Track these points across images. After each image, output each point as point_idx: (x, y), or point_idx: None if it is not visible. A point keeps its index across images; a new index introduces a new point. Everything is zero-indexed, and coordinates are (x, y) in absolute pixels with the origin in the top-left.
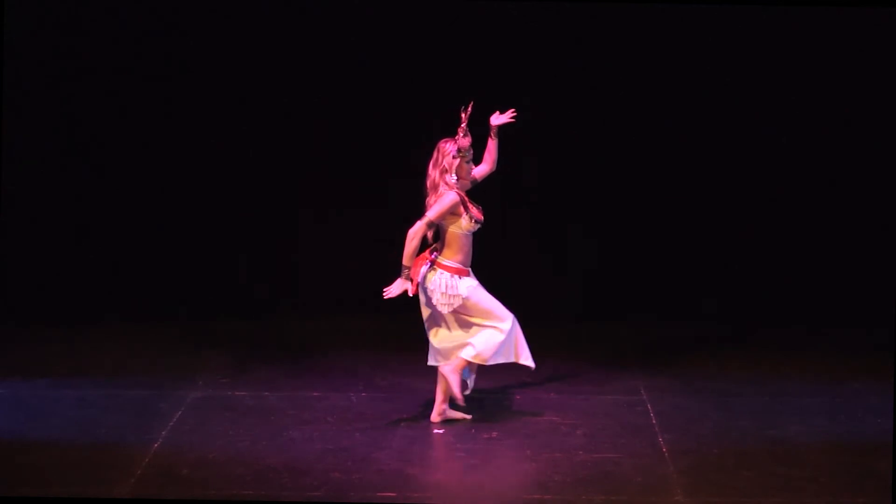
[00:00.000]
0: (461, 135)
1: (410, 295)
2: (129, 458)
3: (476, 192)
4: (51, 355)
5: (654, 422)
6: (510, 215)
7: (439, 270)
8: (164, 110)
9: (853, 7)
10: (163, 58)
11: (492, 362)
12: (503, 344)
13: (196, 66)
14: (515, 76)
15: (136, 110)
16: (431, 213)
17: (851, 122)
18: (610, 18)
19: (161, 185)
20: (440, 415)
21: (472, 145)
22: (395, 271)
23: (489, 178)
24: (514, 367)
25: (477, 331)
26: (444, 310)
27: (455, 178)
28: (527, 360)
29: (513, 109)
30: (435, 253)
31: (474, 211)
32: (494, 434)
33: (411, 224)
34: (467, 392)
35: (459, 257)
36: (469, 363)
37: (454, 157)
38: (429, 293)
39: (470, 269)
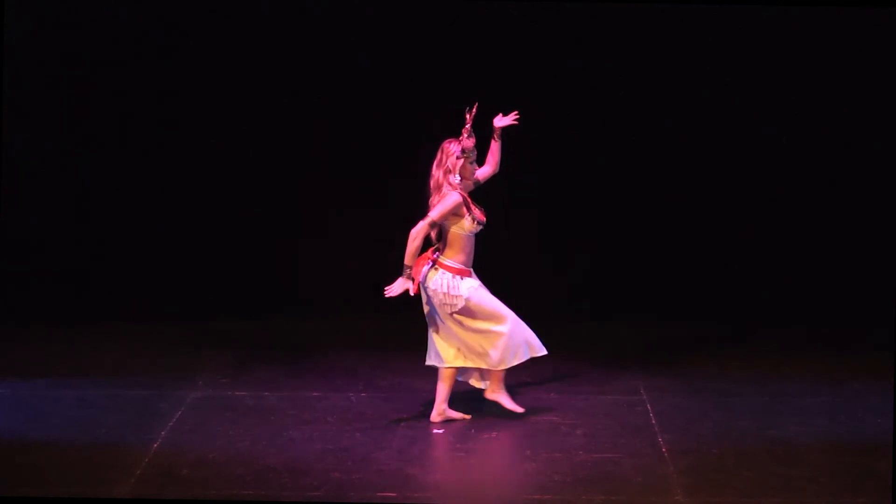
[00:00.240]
0: (465, 135)
1: (412, 294)
2: (129, 458)
3: (478, 193)
4: (51, 355)
5: (653, 422)
6: (510, 215)
7: (441, 270)
8: (164, 110)
9: (853, 7)
10: (163, 58)
11: (513, 364)
12: (516, 345)
13: (196, 66)
14: (515, 76)
15: (136, 110)
16: (434, 214)
17: (851, 122)
18: (610, 18)
19: (161, 185)
20: (440, 414)
21: (475, 146)
22: (395, 271)
23: (490, 179)
24: (514, 367)
25: (479, 337)
26: (446, 310)
27: (458, 178)
28: (541, 349)
29: (516, 111)
30: (437, 253)
31: (477, 212)
32: (494, 434)
33: (412, 224)
34: (484, 387)
35: (461, 258)
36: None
37: (458, 158)
38: (430, 293)
39: (472, 270)
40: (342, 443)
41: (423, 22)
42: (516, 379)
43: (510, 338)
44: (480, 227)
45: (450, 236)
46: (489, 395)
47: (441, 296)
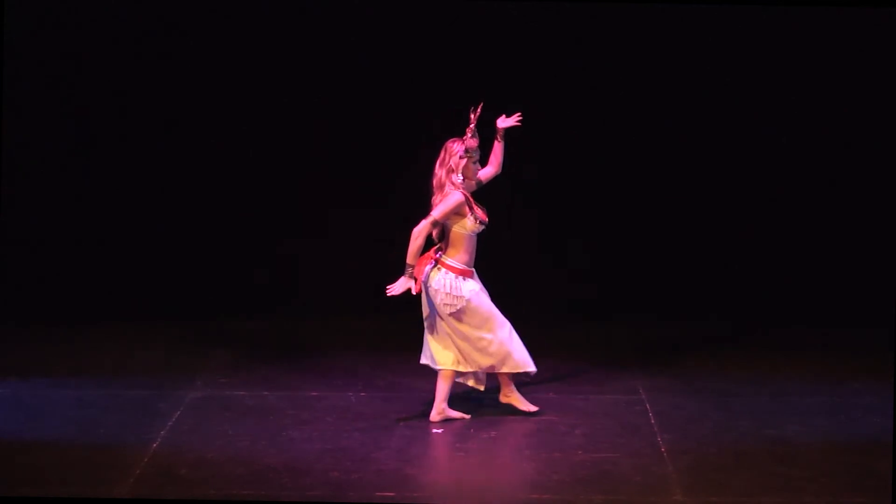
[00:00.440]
0: (469, 135)
1: (414, 293)
2: (128, 457)
3: (480, 193)
4: (50, 355)
5: (652, 421)
6: (510, 215)
7: (444, 270)
8: (164, 110)
9: (853, 7)
10: (163, 58)
11: (501, 371)
12: (506, 353)
13: (196, 66)
14: (515, 76)
15: (136, 110)
16: (436, 213)
17: (851, 122)
18: (610, 18)
19: (161, 185)
20: (439, 414)
21: (479, 147)
22: (395, 271)
23: (492, 179)
24: None
25: (473, 341)
26: (447, 311)
27: (461, 178)
28: (529, 365)
29: (518, 113)
30: (439, 252)
31: (479, 212)
32: (493, 434)
33: (412, 224)
34: (481, 388)
35: (464, 258)
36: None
37: (461, 157)
38: (432, 293)
39: (474, 271)
40: (341, 442)
41: (423, 22)
42: (516, 379)
43: (502, 345)
44: (482, 226)
45: (452, 236)
46: (503, 399)
47: (443, 295)
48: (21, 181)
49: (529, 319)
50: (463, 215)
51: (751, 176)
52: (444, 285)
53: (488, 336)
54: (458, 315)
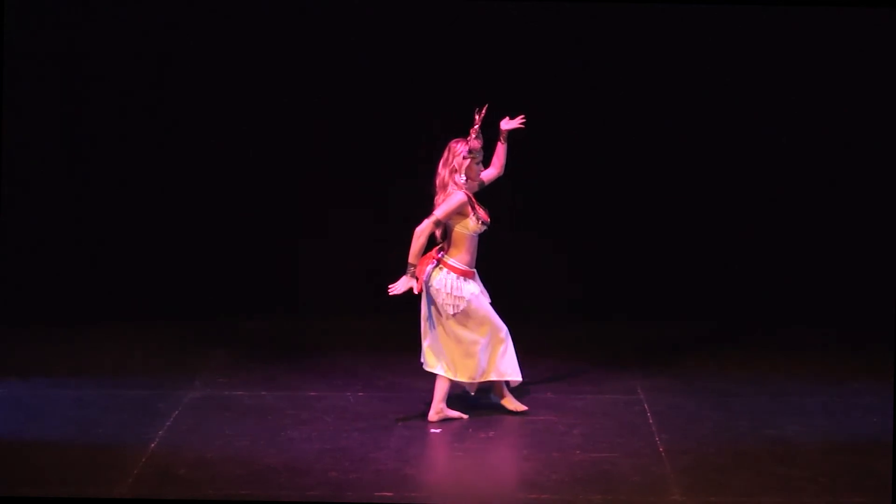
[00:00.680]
0: (473, 136)
1: (415, 293)
2: (127, 458)
3: (482, 194)
4: (50, 355)
5: (651, 421)
6: (510, 215)
7: (445, 270)
8: (165, 110)
9: (853, 7)
10: (163, 57)
11: (490, 379)
12: (502, 359)
13: (196, 65)
14: (515, 76)
15: (136, 110)
16: (439, 212)
17: (851, 122)
18: (610, 18)
19: (161, 185)
20: (437, 414)
21: (482, 148)
22: (394, 271)
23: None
24: None
25: (465, 345)
26: (449, 310)
27: (464, 178)
28: (516, 375)
29: (522, 115)
30: (441, 252)
31: (481, 212)
32: (491, 433)
33: (412, 224)
34: (472, 393)
35: (466, 258)
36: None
37: (464, 158)
38: (433, 293)
39: (475, 272)
40: (340, 442)
41: (423, 22)
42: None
43: (491, 351)
44: (485, 227)
45: (454, 236)
46: (493, 399)
47: (444, 295)
48: (21, 181)
49: (529, 319)
50: (465, 215)
51: (751, 176)
52: (446, 285)
53: (482, 340)
54: (457, 316)
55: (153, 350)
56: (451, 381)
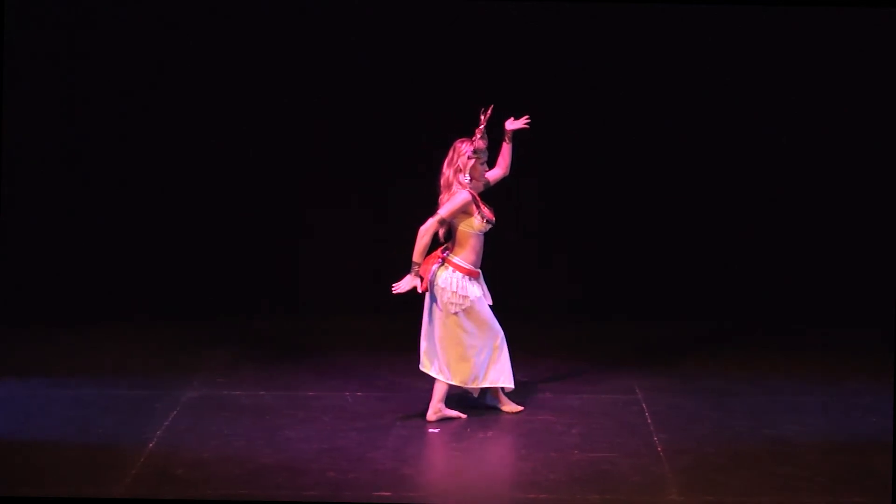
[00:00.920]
0: (478, 136)
1: (419, 292)
2: (125, 457)
3: (487, 193)
4: (49, 355)
5: (649, 421)
6: (510, 215)
7: (450, 268)
8: (164, 110)
9: (853, 7)
10: (163, 57)
11: (482, 385)
12: (496, 365)
13: (196, 65)
14: (515, 76)
15: (136, 110)
16: (443, 211)
17: (851, 122)
18: (610, 18)
19: (161, 185)
20: (435, 413)
21: (487, 148)
22: (394, 271)
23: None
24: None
25: (461, 348)
26: (452, 309)
27: (468, 178)
28: (509, 382)
29: (527, 115)
30: (447, 251)
31: (486, 211)
32: (489, 433)
33: (413, 223)
34: (475, 395)
35: (471, 257)
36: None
37: (469, 158)
38: (438, 291)
39: (480, 272)
40: (338, 442)
41: (423, 22)
42: None
43: (485, 356)
44: (489, 226)
45: (459, 235)
46: (489, 402)
47: (449, 294)
48: (21, 181)
49: (529, 319)
50: (470, 214)
51: (751, 176)
52: (451, 283)
53: (479, 345)
54: (458, 317)
55: (153, 350)
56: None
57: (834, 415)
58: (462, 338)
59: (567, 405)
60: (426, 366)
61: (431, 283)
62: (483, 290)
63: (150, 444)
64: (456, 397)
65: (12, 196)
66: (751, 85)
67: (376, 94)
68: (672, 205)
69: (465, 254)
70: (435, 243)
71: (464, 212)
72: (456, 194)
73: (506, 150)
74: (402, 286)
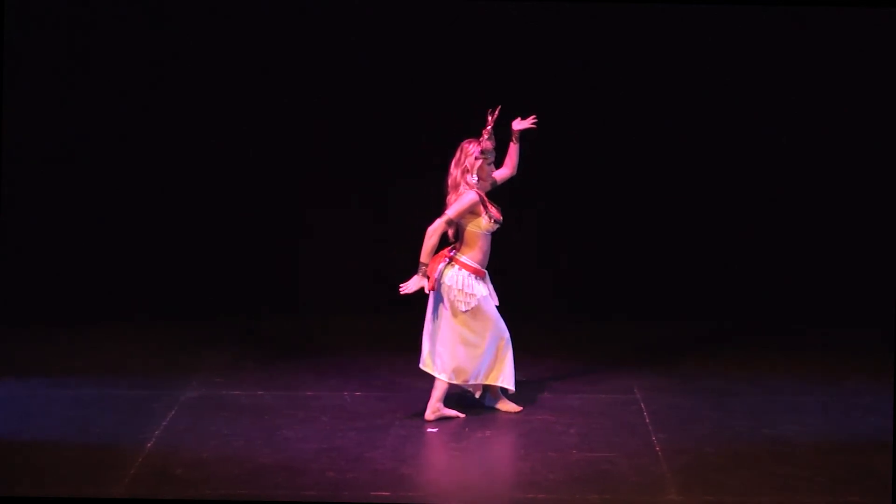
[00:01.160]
0: (486, 137)
1: (426, 292)
2: (123, 457)
3: (494, 193)
4: (48, 355)
5: (647, 421)
6: (510, 215)
7: (457, 267)
8: (164, 110)
9: (853, 7)
10: (163, 57)
11: (486, 383)
12: (502, 365)
13: (196, 66)
14: (515, 76)
15: (136, 110)
16: (451, 212)
17: (851, 122)
18: (610, 18)
19: (161, 185)
20: (434, 413)
21: (494, 149)
22: (393, 271)
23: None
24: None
25: (473, 349)
26: (460, 307)
27: (476, 178)
28: (510, 383)
29: (534, 115)
30: (454, 251)
31: (493, 211)
32: (488, 433)
33: (412, 223)
34: (476, 395)
35: (478, 256)
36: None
37: (476, 159)
38: (445, 289)
39: (486, 272)
40: (336, 442)
41: (423, 22)
42: None
43: (490, 355)
44: (497, 225)
45: (466, 235)
46: (488, 402)
47: (455, 292)
48: (21, 181)
49: (529, 319)
50: (477, 214)
51: (751, 176)
52: (458, 282)
53: (483, 345)
54: (465, 316)
55: (153, 350)
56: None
57: (834, 415)
58: (467, 337)
59: (566, 405)
60: (428, 365)
61: (438, 282)
62: (489, 289)
63: (149, 444)
64: (455, 397)
65: (12, 196)
66: (751, 85)
67: (376, 94)
68: (672, 205)
69: (473, 253)
70: (443, 243)
71: (471, 212)
72: (463, 195)
73: (513, 149)
74: (409, 287)
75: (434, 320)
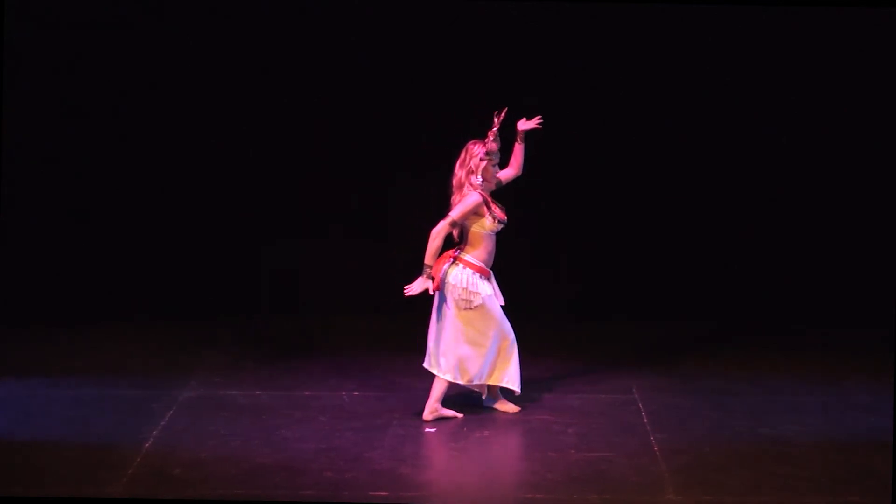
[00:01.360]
0: (491, 138)
1: (431, 293)
2: (121, 457)
3: (500, 193)
4: (48, 355)
5: (645, 421)
6: (514, 215)
7: (461, 265)
8: (164, 110)
9: (853, 7)
10: (163, 58)
11: (488, 383)
12: (507, 366)
13: (196, 65)
14: (515, 76)
15: (136, 110)
16: (454, 213)
17: (851, 122)
18: (610, 18)
19: (161, 185)
20: (432, 413)
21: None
22: (393, 271)
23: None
24: None
25: (478, 348)
26: (463, 306)
27: (480, 179)
28: (516, 384)
29: (539, 116)
30: (458, 251)
31: (497, 211)
32: (486, 433)
33: (412, 223)
34: (483, 395)
35: (483, 256)
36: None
37: (481, 160)
38: (450, 288)
39: (491, 272)
40: (335, 442)
41: (423, 22)
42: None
43: (495, 356)
44: (501, 225)
45: (471, 235)
46: (487, 403)
47: (460, 290)
48: (21, 181)
49: (529, 319)
50: (481, 215)
51: (751, 176)
52: (462, 280)
53: (488, 344)
54: (469, 314)
55: (152, 350)
56: (449, 381)
57: (834, 415)
58: (471, 336)
59: (565, 405)
60: (433, 365)
61: (442, 281)
62: (495, 289)
63: (147, 444)
64: (453, 397)
65: (12, 196)
66: (751, 85)
67: (376, 94)
68: (672, 205)
69: (477, 252)
70: (448, 244)
71: (475, 213)
72: (467, 196)
73: (518, 150)
74: (414, 288)
75: (438, 320)
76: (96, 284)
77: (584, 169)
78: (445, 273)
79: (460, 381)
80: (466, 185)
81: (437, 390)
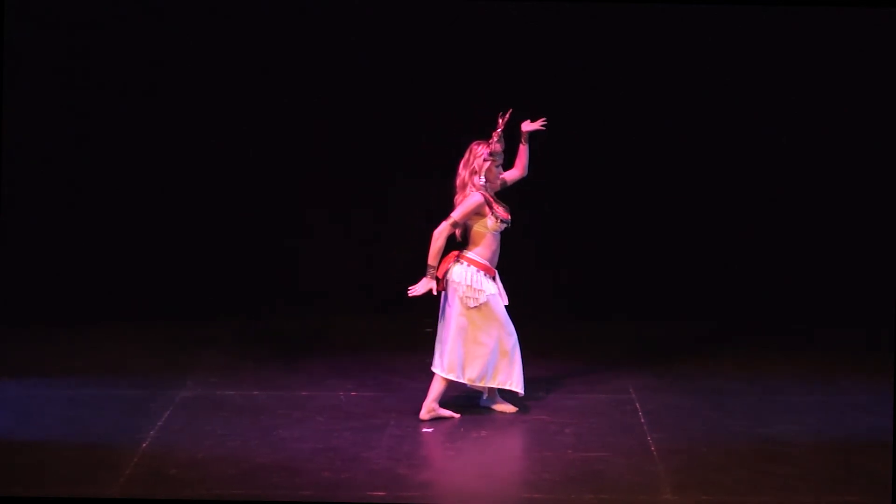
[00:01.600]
0: (495, 139)
1: (434, 294)
2: (118, 457)
3: (501, 193)
4: (46, 355)
5: (642, 420)
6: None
7: (465, 263)
8: (164, 110)
9: (853, 7)
10: (163, 57)
11: (490, 385)
12: (509, 367)
13: (196, 65)
14: (515, 76)
15: (136, 110)
16: (456, 214)
17: (851, 122)
18: (610, 18)
19: (161, 185)
20: (429, 413)
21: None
22: (393, 271)
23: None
24: None
25: (481, 348)
26: (468, 303)
27: (483, 180)
28: (519, 385)
29: (543, 118)
30: (462, 250)
31: (500, 211)
32: (484, 433)
33: (412, 223)
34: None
35: (487, 254)
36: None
37: (485, 160)
38: (454, 286)
39: (496, 271)
40: (332, 442)
41: (423, 22)
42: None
43: (497, 357)
44: (504, 224)
45: (474, 234)
46: (484, 403)
47: (464, 288)
48: (21, 181)
49: (529, 319)
50: (483, 215)
51: (751, 176)
52: (466, 278)
53: (491, 344)
54: (473, 313)
55: (152, 350)
56: (447, 381)
57: (833, 414)
58: (475, 335)
59: (562, 405)
60: (437, 364)
61: (446, 281)
62: (499, 288)
63: (144, 444)
64: (452, 397)
65: (12, 196)
66: (751, 85)
67: (376, 94)
68: (672, 205)
69: (481, 251)
70: (451, 245)
71: (477, 213)
72: (469, 197)
73: (522, 151)
74: (417, 289)
75: (442, 320)
76: (96, 284)
77: (583, 169)
78: (449, 271)
79: (463, 381)
80: (469, 185)
81: (435, 390)
